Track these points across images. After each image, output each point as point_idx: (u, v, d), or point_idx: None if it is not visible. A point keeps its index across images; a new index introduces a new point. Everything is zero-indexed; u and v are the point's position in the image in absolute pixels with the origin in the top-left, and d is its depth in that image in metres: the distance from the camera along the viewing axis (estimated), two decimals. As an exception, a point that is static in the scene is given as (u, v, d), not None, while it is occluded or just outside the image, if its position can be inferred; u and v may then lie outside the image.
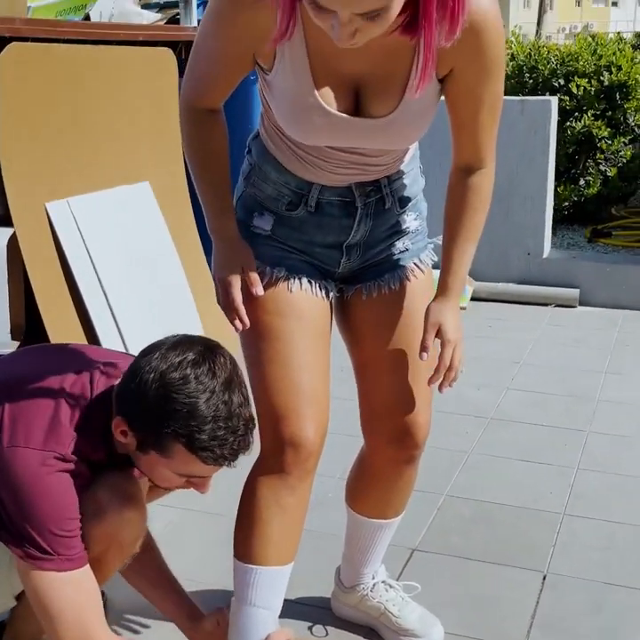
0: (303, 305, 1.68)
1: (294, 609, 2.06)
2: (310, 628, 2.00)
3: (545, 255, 4.69)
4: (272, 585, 1.65)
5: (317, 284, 1.70)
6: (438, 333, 1.67)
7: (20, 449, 1.51)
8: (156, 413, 1.50)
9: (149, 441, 1.52)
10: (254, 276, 1.62)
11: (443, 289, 1.70)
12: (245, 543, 1.66)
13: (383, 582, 1.99)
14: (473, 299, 4.61)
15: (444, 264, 1.69)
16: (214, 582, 2.10)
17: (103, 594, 1.88)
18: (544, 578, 2.20)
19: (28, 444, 1.51)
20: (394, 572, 2.07)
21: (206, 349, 1.55)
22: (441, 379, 1.67)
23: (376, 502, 1.91)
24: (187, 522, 2.38)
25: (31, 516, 1.49)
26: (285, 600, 2.05)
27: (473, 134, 1.61)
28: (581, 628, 2.01)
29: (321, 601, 2.10)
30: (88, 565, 1.55)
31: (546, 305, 4.59)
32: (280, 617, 1.97)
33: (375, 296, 1.75)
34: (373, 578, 1.99)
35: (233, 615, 1.68)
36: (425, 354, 1.65)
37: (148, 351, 1.55)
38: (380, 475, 1.86)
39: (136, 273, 3.09)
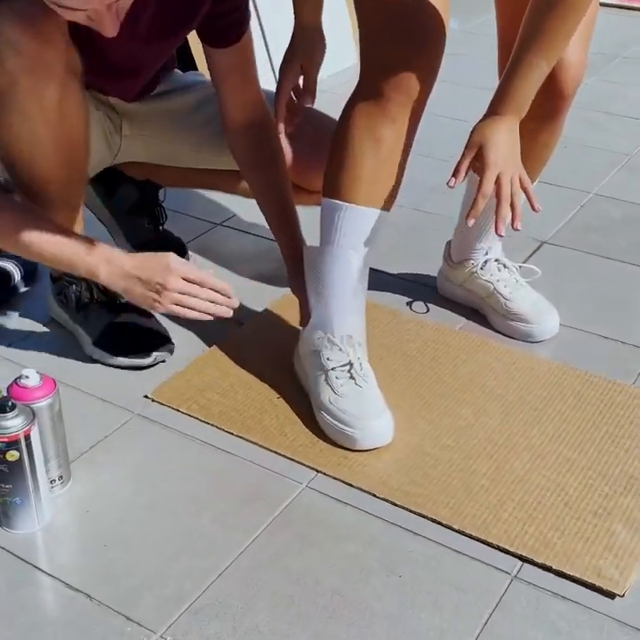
0: None
1: (395, 283, 1.87)
2: (409, 304, 1.80)
3: None
4: (361, 226, 1.42)
5: None
6: (479, 157, 1.35)
7: None
8: None
9: None
10: (309, 83, 1.58)
11: (495, 106, 1.37)
12: (334, 179, 1.43)
13: (497, 260, 1.74)
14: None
15: (504, 78, 1.36)
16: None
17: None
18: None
19: None
20: (514, 260, 1.80)
21: None
22: (479, 213, 1.35)
23: None
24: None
25: None
26: (385, 273, 1.89)
27: None
28: None
29: (426, 278, 1.88)
30: None
31: None
32: (379, 290, 1.82)
33: None
34: (486, 254, 1.74)
35: (313, 260, 1.48)
36: (453, 179, 1.36)
37: None
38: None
39: None
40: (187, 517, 1.28)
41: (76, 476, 1.34)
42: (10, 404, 1.18)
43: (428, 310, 1.78)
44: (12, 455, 1.18)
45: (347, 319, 1.45)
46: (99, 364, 1.59)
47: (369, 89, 1.38)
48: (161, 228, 1.94)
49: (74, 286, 1.63)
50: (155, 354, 1.59)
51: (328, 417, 1.41)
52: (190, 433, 1.44)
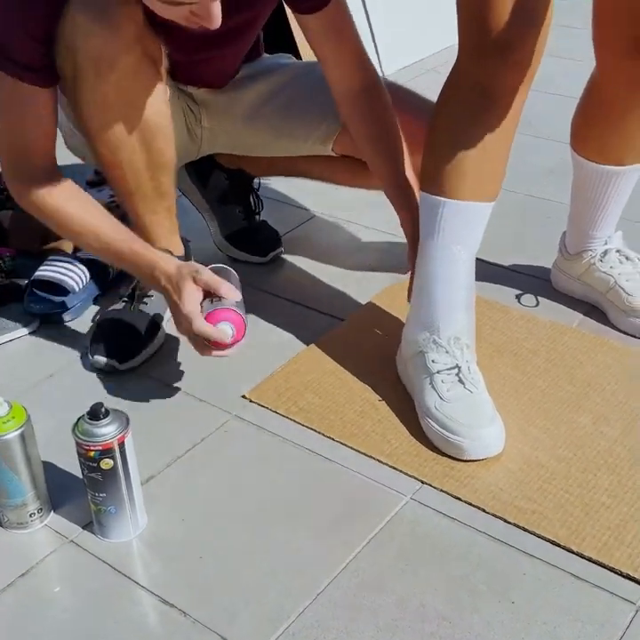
0: None
1: (505, 275, 1.76)
2: (518, 297, 1.69)
3: None
4: (465, 221, 1.33)
5: None
6: None
7: None
8: None
9: None
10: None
11: None
12: (434, 172, 1.33)
13: (618, 251, 1.61)
14: None
15: None
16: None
17: (187, 242, 1.63)
18: None
19: None
20: None
21: None
22: None
23: (610, 142, 1.52)
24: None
25: None
26: (494, 265, 1.79)
27: None
28: None
29: (539, 270, 1.76)
30: (48, 92, 1.34)
31: None
32: (487, 281, 1.73)
33: None
34: (605, 243, 1.61)
35: (419, 256, 1.40)
36: None
37: None
38: (615, 102, 1.47)
39: None
40: (284, 529, 1.22)
41: (173, 482, 1.30)
42: (103, 410, 1.14)
43: (537, 303, 1.67)
44: (107, 463, 1.14)
45: (453, 319, 1.36)
46: (195, 361, 1.54)
47: (469, 70, 1.28)
48: (257, 217, 1.88)
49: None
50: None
51: (434, 424, 1.33)
52: (289, 437, 1.37)
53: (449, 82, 1.31)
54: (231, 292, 1.36)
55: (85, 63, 1.28)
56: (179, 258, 1.51)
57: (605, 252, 1.61)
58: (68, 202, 1.39)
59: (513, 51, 1.23)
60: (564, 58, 2.58)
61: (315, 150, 1.69)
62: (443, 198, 1.31)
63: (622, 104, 1.46)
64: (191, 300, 1.33)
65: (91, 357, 1.53)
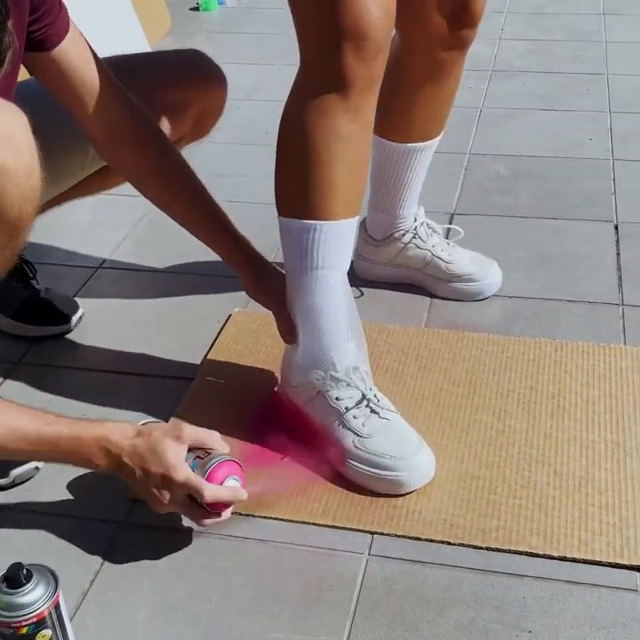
0: None
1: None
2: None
3: None
4: (339, 242, 1.23)
5: None
6: None
7: None
8: None
9: None
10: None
11: None
12: (299, 194, 1.20)
13: (427, 225, 1.63)
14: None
15: None
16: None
17: None
18: (616, 228, 1.83)
19: None
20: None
21: None
22: None
23: (415, 121, 1.53)
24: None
25: None
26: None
27: None
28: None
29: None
30: None
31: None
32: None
33: None
34: (415, 220, 1.62)
35: (290, 292, 1.26)
36: None
37: None
38: (424, 77, 1.48)
39: None
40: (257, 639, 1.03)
41: (96, 625, 1.05)
42: (25, 572, 0.88)
43: (362, 294, 1.65)
44: (44, 636, 0.89)
45: (345, 349, 1.25)
46: (47, 475, 1.27)
47: (320, 77, 1.16)
48: (36, 283, 1.61)
49: None
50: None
51: (359, 465, 1.21)
52: (203, 528, 1.17)
53: (298, 89, 1.19)
54: (223, 444, 1.15)
55: None
56: None
57: (416, 229, 1.62)
58: None
59: (367, 38, 1.13)
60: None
61: (93, 168, 1.51)
62: (315, 221, 1.19)
63: (433, 77, 1.47)
64: (182, 465, 1.08)
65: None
